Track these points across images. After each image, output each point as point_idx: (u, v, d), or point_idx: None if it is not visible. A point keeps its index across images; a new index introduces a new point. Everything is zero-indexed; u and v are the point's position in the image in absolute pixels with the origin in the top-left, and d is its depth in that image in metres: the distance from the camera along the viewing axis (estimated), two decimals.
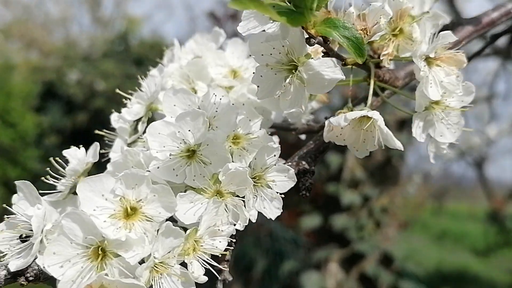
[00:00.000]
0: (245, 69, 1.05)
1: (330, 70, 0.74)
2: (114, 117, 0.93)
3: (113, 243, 0.70)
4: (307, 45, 0.74)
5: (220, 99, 0.86)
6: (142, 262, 0.72)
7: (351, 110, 0.89)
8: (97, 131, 0.98)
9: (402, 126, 4.54)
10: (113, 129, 0.98)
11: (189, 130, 0.81)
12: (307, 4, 0.65)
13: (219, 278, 0.88)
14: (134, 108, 0.92)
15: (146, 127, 0.90)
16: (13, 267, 0.71)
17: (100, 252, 0.71)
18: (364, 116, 0.82)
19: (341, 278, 4.38)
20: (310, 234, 4.70)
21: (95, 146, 0.86)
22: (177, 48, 1.07)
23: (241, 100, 1.00)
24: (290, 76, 0.76)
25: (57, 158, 0.86)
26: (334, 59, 0.74)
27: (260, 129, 0.90)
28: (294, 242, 5.06)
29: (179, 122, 0.81)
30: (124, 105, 0.95)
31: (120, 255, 0.71)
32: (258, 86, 0.80)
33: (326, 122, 0.89)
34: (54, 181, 0.87)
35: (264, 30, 0.74)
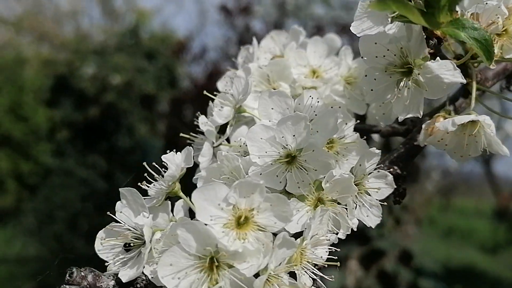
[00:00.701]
0: (325, 69, 1.02)
1: (450, 73, 0.71)
2: (202, 120, 0.90)
3: (229, 254, 0.68)
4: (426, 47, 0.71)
5: (318, 101, 0.83)
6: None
7: (449, 113, 0.86)
8: (182, 134, 0.95)
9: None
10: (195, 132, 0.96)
11: (291, 135, 0.78)
12: (440, 4, 0.62)
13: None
14: (224, 110, 0.89)
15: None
16: (125, 278, 0.69)
17: (216, 263, 0.68)
18: (472, 120, 0.79)
19: (360, 275, 4.37)
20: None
21: (188, 150, 0.83)
22: (256, 48, 1.04)
23: (326, 102, 0.97)
24: (405, 79, 0.73)
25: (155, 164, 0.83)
26: (453, 61, 0.71)
27: (354, 132, 0.87)
28: None
29: (280, 127, 0.79)
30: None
31: (233, 266, 0.69)
32: (371, 90, 0.77)
33: (423, 126, 0.86)
34: (148, 187, 0.84)
35: (379, 31, 0.71)
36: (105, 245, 0.76)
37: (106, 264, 0.74)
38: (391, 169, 0.91)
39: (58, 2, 10.27)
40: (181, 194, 0.83)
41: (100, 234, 0.77)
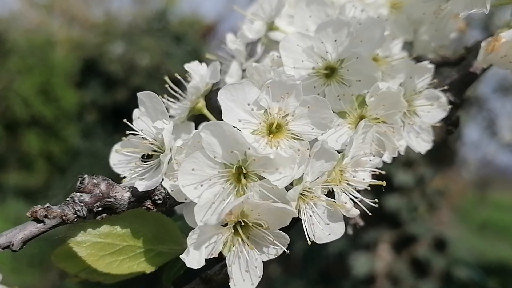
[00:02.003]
0: None
1: None
2: (230, 38, 0.82)
3: (259, 162, 0.59)
4: None
5: (362, 11, 0.73)
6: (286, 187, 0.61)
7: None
8: (208, 55, 0.87)
9: (461, 104, 4.29)
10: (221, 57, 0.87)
11: (334, 40, 0.68)
12: None
13: (350, 222, 0.76)
14: (255, 25, 0.80)
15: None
16: (141, 187, 0.61)
17: (244, 171, 0.60)
18: None
19: (391, 260, 4.23)
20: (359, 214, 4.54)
21: (216, 65, 0.75)
22: None
23: None
24: None
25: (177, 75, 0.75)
26: None
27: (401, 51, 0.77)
28: None
29: (318, 34, 0.69)
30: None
31: (264, 178, 0.60)
32: None
33: (483, 44, 0.74)
34: (169, 101, 0.76)
35: None
36: (121, 158, 0.69)
37: (121, 176, 0.67)
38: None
39: None
40: (206, 111, 0.75)
41: (116, 146, 0.70)
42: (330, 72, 0.71)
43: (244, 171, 0.60)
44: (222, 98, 0.59)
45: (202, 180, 0.59)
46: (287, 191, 0.60)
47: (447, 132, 0.80)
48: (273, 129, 0.62)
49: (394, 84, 0.72)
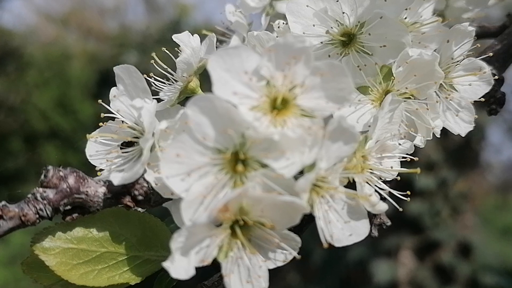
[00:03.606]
0: None
1: None
2: (229, 9, 0.70)
3: (260, 145, 0.47)
4: None
5: None
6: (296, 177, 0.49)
7: None
8: (205, 31, 0.76)
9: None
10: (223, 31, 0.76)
11: (352, 3, 0.56)
12: None
13: (374, 221, 0.63)
14: None
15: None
16: (117, 180, 0.50)
17: (242, 157, 0.48)
18: None
19: (414, 267, 4.04)
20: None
21: (210, 39, 0.64)
22: None
23: None
24: None
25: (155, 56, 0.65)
26: None
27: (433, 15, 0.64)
28: None
29: None
30: None
31: (266, 165, 0.48)
32: None
33: None
34: (158, 85, 0.65)
35: None
36: (99, 148, 0.57)
37: (97, 169, 0.56)
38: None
39: None
40: (201, 92, 0.63)
41: (94, 134, 0.58)
42: (347, 39, 0.59)
43: (242, 157, 0.48)
44: (213, 66, 0.47)
45: (191, 170, 0.48)
46: (296, 180, 0.47)
47: (490, 112, 0.66)
48: (278, 105, 0.49)
49: (427, 51, 0.60)
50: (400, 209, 0.57)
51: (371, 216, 0.58)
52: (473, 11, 0.70)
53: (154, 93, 0.66)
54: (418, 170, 0.55)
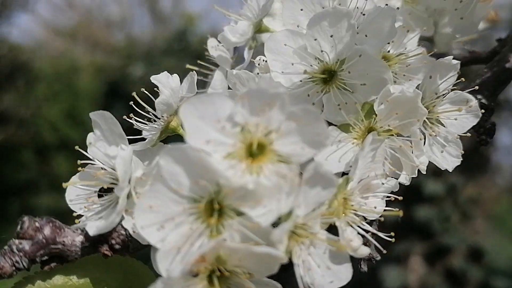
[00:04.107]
0: None
1: None
2: (211, 43, 0.70)
3: (235, 193, 0.46)
4: None
5: (366, 0, 0.60)
6: (273, 224, 0.48)
7: None
8: (188, 65, 0.75)
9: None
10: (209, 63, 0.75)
11: (328, 39, 0.55)
12: None
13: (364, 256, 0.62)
14: (239, 25, 0.68)
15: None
16: (92, 230, 0.49)
17: (216, 206, 0.47)
18: None
19: (424, 273, 3.99)
20: (386, 226, 4.33)
21: (191, 77, 0.63)
22: None
23: None
24: None
25: (143, 90, 0.64)
26: None
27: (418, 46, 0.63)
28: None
29: (312, 29, 0.56)
30: None
31: (243, 213, 0.47)
32: None
33: None
34: (139, 125, 0.65)
35: None
36: (79, 193, 0.57)
37: (75, 214, 0.55)
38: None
39: (110, 10, 10.58)
40: (183, 131, 0.62)
41: (74, 179, 0.58)
42: (328, 76, 0.57)
43: (217, 207, 0.47)
44: (185, 114, 0.47)
45: (166, 219, 0.47)
46: (274, 228, 0.46)
47: (481, 142, 0.65)
48: (254, 151, 0.48)
49: (409, 87, 0.59)
50: (384, 251, 0.56)
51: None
52: (461, 36, 0.69)
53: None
54: (400, 212, 0.54)
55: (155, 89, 0.63)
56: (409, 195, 4.10)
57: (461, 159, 0.60)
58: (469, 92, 0.66)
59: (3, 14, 7.99)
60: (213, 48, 0.70)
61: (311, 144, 0.47)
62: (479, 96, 0.65)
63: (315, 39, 0.56)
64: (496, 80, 0.67)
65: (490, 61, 0.72)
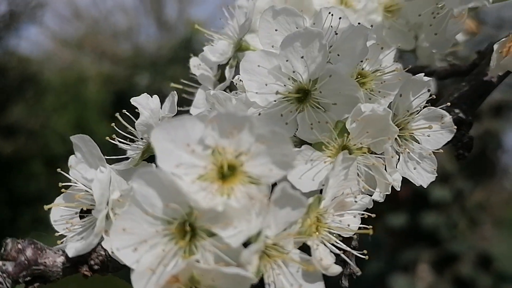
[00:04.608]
0: None
1: None
2: (194, 62, 0.71)
3: (206, 215, 0.48)
4: None
5: (340, 18, 0.61)
6: (246, 243, 0.49)
7: None
8: (173, 84, 0.77)
9: (499, 111, 4.04)
10: (193, 81, 0.77)
11: (301, 60, 0.57)
12: None
13: (344, 271, 0.63)
14: (219, 45, 0.69)
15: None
16: (71, 252, 0.51)
17: (187, 229, 0.48)
18: None
19: (432, 280, 3.95)
20: (394, 234, 4.29)
21: (172, 97, 0.65)
22: None
23: None
24: None
25: (124, 112, 0.66)
26: None
27: (394, 62, 0.64)
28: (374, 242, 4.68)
29: (285, 50, 0.58)
30: None
31: (215, 234, 0.48)
32: None
33: (495, 47, 0.61)
34: (122, 144, 0.66)
35: None
36: (63, 213, 0.59)
37: (57, 234, 0.57)
38: (451, 113, 0.66)
39: (116, 20, 10.72)
40: None
41: (58, 200, 0.60)
42: (303, 95, 0.59)
43: (188, 229, 0.48)
44: (157, 138, 0.48)
45: (141, 241, 0.48)
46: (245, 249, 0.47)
47: (458, 157, 0.65)
48: (226, 172, 0.50)
49: (382, 104, 0.60)
50: (359, 273, 0.56)
51: (342, 266, 0.58)
52: (437, 51, 0.69)
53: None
54: (371, 231, 0.54)
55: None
56: (416, 202, 4.08)
57: (436, 175, 0.61)
58: (447, 107, 0.67)
59: (11, 26, 8.11)
60: (195, 67, 0.72)
61: (280, 165, 0.49)
62: (456, 110, 0.66)
63: (288, 60, 0.57)
64: (474, 93, 0.68)
65: (468, 75, 0.73)
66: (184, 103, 0.78)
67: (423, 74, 0.59)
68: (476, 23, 0.77)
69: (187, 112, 0.75)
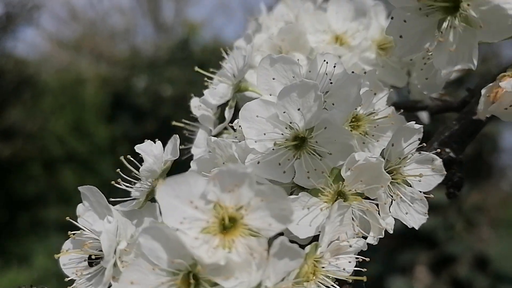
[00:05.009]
0: (353, 33, 0.82)
1: None
2: (194, 103, 0.74)
3: (209, 268, 0.50)
4: None
5: (334, 66, 0.64)
6: None
7: None
8: (175, 122, 0.80)
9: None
10: (194, 119, 0.80)
11: (297, 110, 0.59)
12: None
13: None
14: (219, 88, 0.72)
15: (235, 114, 0.71)
16: None
17: (191, 280, 0.51)
18: None
19: (430, 282, 3.99)
20: (391, 236, 4.33)
21: (175, 140, 0.67)
22: (264, 15, 0.86)
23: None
24: (449, 18, 0.52)
25: (129, 157, 0.69)
26: None
27: (386, 106, 0.67)
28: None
29: (282, 100, 0.60)
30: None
31: (218, 284, 0.51)
32: (400, 37, 0.56)
33: (483, 91, 0.63)
34: (127, 186, 0.69)
35: None
36: (72, 257, 0.61)
37: (67, 279, 0.60)
38: (442, 152, 0.69)
39: (113, 22, 10.71)
40: None
41: (66, 245, 0.62)
42: (300, 142, 0.61)
43: (192, 282, 0.51)
44: (162, 195, 0.51)
45: None
46: None
47: (449, 195, 0.68)
48: (227, 225, 0.52)
49: (376, 146, 0.62)
50: None
51: None
52: (427, 94, 0.72)
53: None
54: (364, 278, 0.57)
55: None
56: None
57: (427, 216, 0.64)
58: (438, 144, 0.70)
59: (8, 29, 8.09)
60: (196, 108, 0.74)
61: (278, 218, 0.52)
62: (447, 150, 0.69)
63: (285, 109, 0.60)
64: (464, 133, 0.70)
65: (461, 109, 0.75)
66: (186, 140, 0.80)
67: (414, 122, 0.62)
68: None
69: (189, 149, 0.78)
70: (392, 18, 0.56)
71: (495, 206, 4.46)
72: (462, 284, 3.95)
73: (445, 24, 0.52)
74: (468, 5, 0.50)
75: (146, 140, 0.67)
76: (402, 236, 4.20)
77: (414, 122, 0.62)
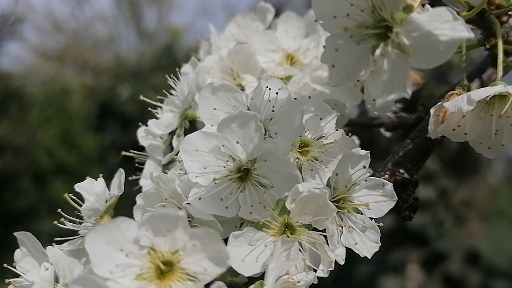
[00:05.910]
0: (304, 51, 0.80)
1: (448, 26, 0.47)
2: (141, 133, 0.72)
3: None
4: None
5: (277, 93, 0.62)
6: None
7: (469, 89, 0.62)
8: (124, 152, 0.77)
9: None
10: (143, 149, 0.77)
11: (237, 142, 0.57)
12: None
13: None
14: (164, 118, 0.70)
15: None
16: None
17: None
18: (499, 94, 0.54)
19: (422, 280, 4.00)
20: (382, 235, 4.33)
21: (120, 175, 0.65)
22: (215, 36, 0.84)
23: (304, 94, 0.75)
24: (382, 44, 0.50)
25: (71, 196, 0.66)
26: (450, 8, 0.47)
27: (336, 129, 0.65)
28: None
29: (222, 132, 0.58)
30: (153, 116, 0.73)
31: None
32: (332, 66, 0.55)
33: (432, 111, 0.62)
34: (72, 225, 0.66)
35: None
36: None
37: None
38: (396, 174, 0.67)
39: (96, 31, 10.62)
40: None
41: None
42: (244, 174, 0.59)
43: None
44: (92, 242, 0.49)
45: None
46: None
47: (404, 218, 0.66)
48: (164, 269, 0.50)
49: (326, 172, 0.60)
50: None
51: None
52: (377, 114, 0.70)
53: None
54: None
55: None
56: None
57: (380, 244, 0.62)
58: (392, 165, 0.68)
59: None
60: (143, 138, 0.72)
61: (216, 261, 0.49)
62: (401, 171, 0.67)
63: (226, 142, 0.58)
64: (418, 151, 0.69)
65: (416, 126, 0.74)
66: (138, 170, 0.78)
67: (359, 148, 0.60)
68: (421, 74, 0.78)
69: (139, 179, 0.75)
70: (324, 47, 0.54)
71: (483, 199, 4.48)
72: (455, 280, 3.96)
73: (377, 52, 0.50)
74: (399, 32, 0.48)
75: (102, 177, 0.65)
76: (393, 235, 4.20)
77: (360, 148, 0.60)
